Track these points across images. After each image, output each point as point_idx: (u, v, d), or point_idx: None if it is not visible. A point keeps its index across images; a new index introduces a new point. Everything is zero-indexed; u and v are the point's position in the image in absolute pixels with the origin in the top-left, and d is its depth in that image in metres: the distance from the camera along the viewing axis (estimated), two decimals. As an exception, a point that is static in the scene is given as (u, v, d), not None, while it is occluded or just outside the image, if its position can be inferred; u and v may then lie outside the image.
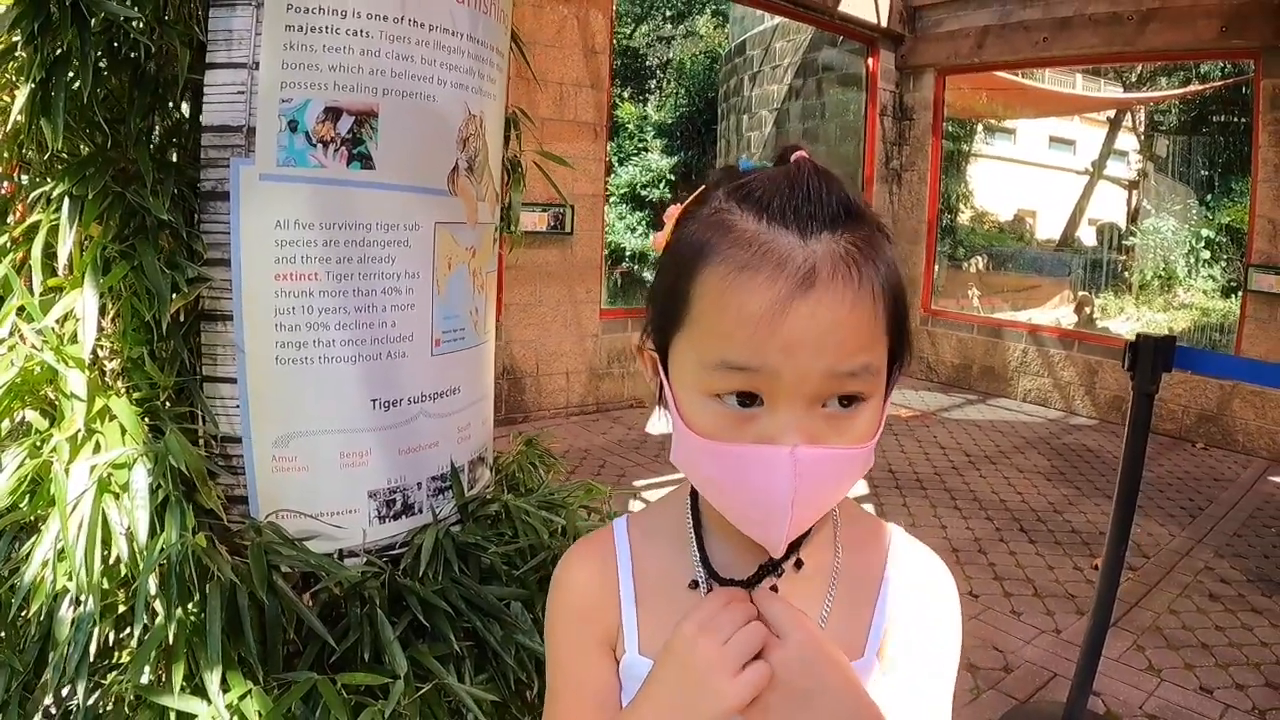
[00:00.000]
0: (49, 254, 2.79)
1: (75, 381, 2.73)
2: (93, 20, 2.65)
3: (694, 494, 1.55)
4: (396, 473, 3.19)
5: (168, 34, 2.75)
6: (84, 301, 2.71)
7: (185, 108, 2.98)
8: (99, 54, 2.75)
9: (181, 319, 2.88)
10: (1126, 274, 26.01)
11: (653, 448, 10.60)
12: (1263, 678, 5.98)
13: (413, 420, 3.19)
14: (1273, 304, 11.38)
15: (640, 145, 28.58)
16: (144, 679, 2.64)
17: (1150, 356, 4.65)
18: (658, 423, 11.77)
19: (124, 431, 2.69)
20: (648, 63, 34.06)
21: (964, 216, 26.91)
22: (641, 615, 1.52)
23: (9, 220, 3.08)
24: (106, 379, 2.89)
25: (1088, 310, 22.52)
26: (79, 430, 2.69)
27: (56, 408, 2.80)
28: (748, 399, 1.26)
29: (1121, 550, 4.95)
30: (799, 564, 1.46)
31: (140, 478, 2.62)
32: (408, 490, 3.23)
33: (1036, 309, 22.61)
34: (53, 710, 2.73)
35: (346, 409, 3.05)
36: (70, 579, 2.57)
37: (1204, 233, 24.98)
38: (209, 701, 2.59)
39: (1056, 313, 22.43)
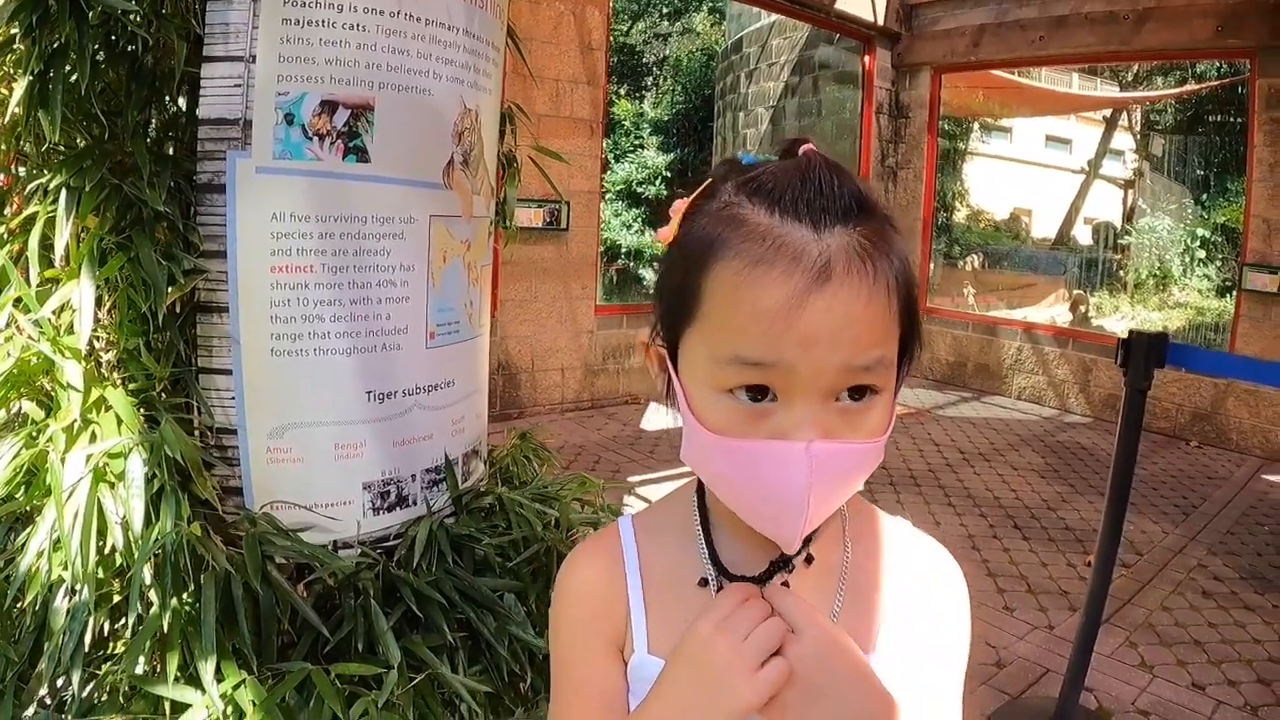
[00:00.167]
0: (46, 245, 2.80)
1: (72, 372, 2.74)
2: (90, 13, 2.66)
3: (700, 491, 1.55)
4: (391, 465, 3.20)
5: (165, 27, 2.76)
6: (80, 292, 2.72)
7: (182, 101, 2.99)
8: (96, 47, 2.76)
9: (177, 310, 2.89)
10: (1122, 273, 26.03)
11: (647, 444, 10.62)
12: (1255, 674, 6.00)
13: (407, 413, 3.21)
14: (1267, 303, 11.41)
15: (636, 142, 28.58)
16: (139, 669, 2.66)
17: (1143, 353, 4.68)
18: (663, 417, 11.79)
19: (120, 422, 2.70)
20: (644, 60, 34.06)
21: (960, 215, 26.93)
22: (650, 615, 1.51)
23: (6, 212, 3.09)
24: (103, 370, 2.90)
25: (1083, 309, 22.55)
26: (75, 420, 2.70)
27: (53, 398, 2.81)
28: (759, 394, 1.25)
29: (1114, 546, 4.97)
30: (809, 559, 1.45)
31: (135, 467, 2.63)
32: (402, 482, 3.24)
33: (1032, 307, 22.61)
34: (48, 701, 2.74)
35: (341, 401, 3.06)
36: (65, 569, 2.58)
37: (1199, 232, 25.02)
38: (203, 691, 2.59)
39: (1051, 311, 22.44)
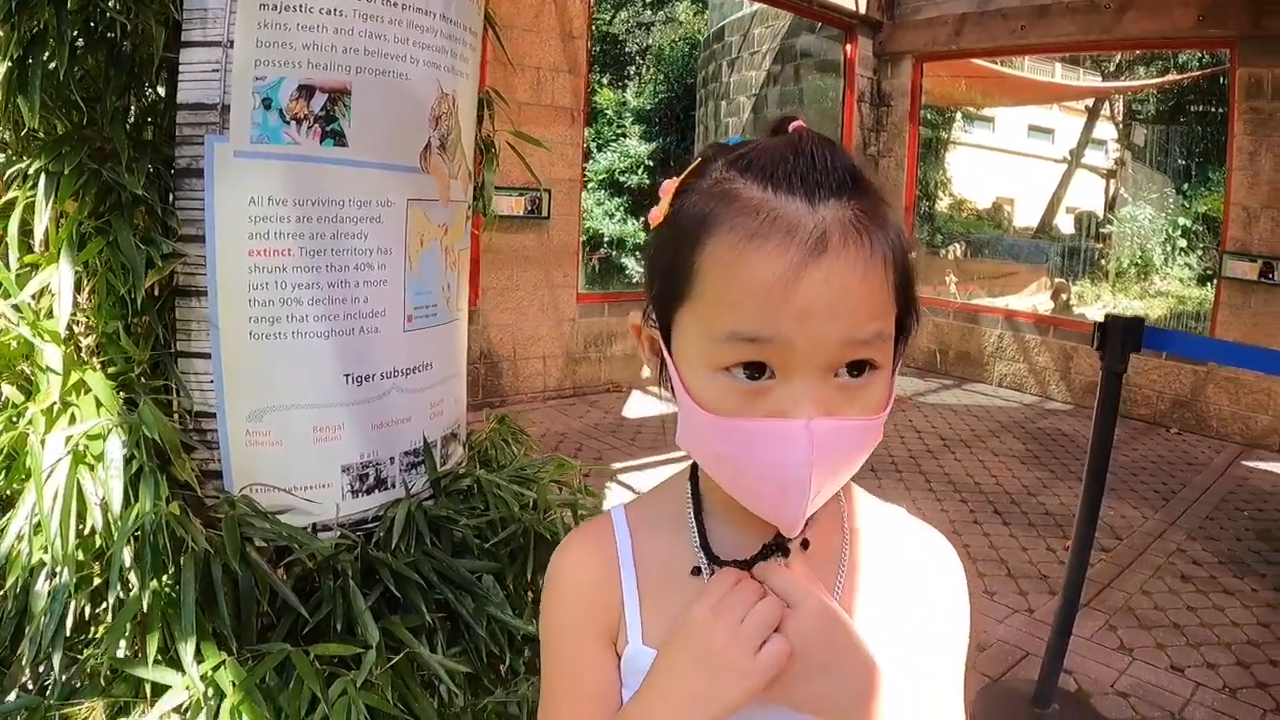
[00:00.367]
0: (25, 230, 2.81)
1: (51, 355, 2.74)
2: (69, 0, 2.67)
3: (693, 478, 1.54)
4: (369, 447, 3.21)
5: (143, 13, 2.76)
6: (60, 277, 2.72)
7: (161, 87, 3.00)
8: (75, 33, 2.77)
9: (156, 294, 2.89)
10: (1103, 261, 26.14)
11: (629, 431, 10.68)
12: (1233, 656, 6.09)
13: (385, 395, 3.21)
14: (1247, 290, 11.50)
15: (619, 131, 28.55)
16: (120, 652, 2.67)
17: (1119, 337, 4.73)
18: (644, 404, 11.80)
19: (99, 404, 2.71)
20: (627, 49, 34.04)
21: (942, 203, 27.00)
22: (644, 605, 1.49)
23: (-14, 197, 3.10)
24: (82, 354, 2.91)
25: (1064, 297, 22.64)
26: (54, 403, 2.71)
27: (33, 382, 2.82)
28: (756, 371, 1.24)
29: (1091, 528, 5.04)
30: (805, 544, 1.44)
31: (114, 448, 2.64)
32: (380, 465, 3.25)
33: (1014, 295, 22.73)
34: (29, 686, 2.75)
35: (319, 384, 3.06)
36: (46, 551, 2.59)
37: (1180, 221, 25.16)
38: (183, 672, 2.60)
39: (1033, 299, 22.55)
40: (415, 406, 3.35)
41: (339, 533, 3.12)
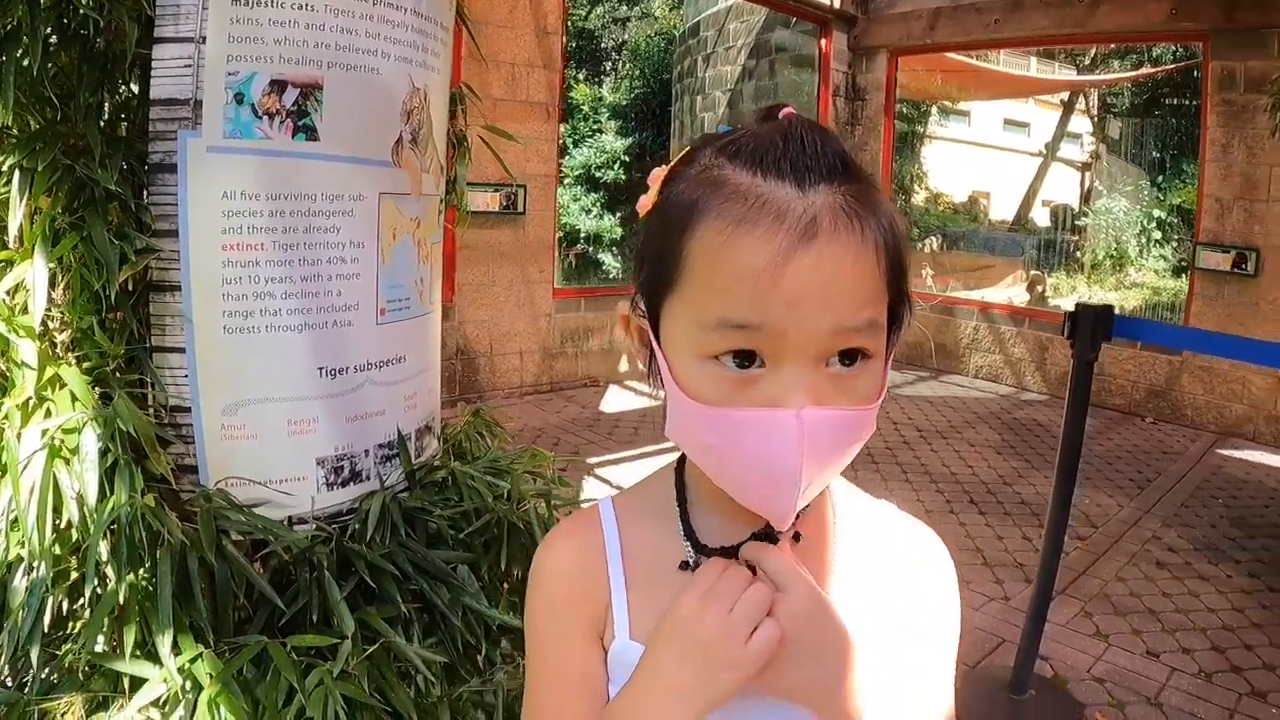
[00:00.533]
0: (-1, 227, 2.83)
1: (26, 350, 2.76)
2: (42, -3, 2.68)
3: (679, 469, 1.53)
4: (344, 440, 3.22)
5: (116, 10, 2.77)
6: (34, 272, 2.74)
7: (134, 84, 3.01)
8: (49, 30, 2.78)
9: (130, 289, 2.90)
10: (1079, 254, 26.28)
11: (606, 425, 10.70)
12: (1208, 641, 6.17)
13: (359, 388, 3.22)
14: (1220, 281, 11.60)
15: (595, 127, 28.54)
16: (98, 646, 2.69)
17: (1089, 325, 4.77)
18: (622, 399, 11.81)
19: (74, 399, 2.73)
20: (603, 44, 34.01)
21: (919, 197, 27.06)
22: (632, 599, 1.47)
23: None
24: (57, 350, 2.92)
25: (1040, 289, 22.76)
26: (30, 398, 2.73)
27: (8, 377, 2.84)
28: (746, 359, 1.22)
29: (1064, 515, 5.09)
30: (797, 537, 1.43)
31: (90, 441, 2.65)
32: (355, 458, 3.26)
33: (990, 288, 22.82)
34: (9, 683, 2.77)
35: (293, 377, 3.07)
36: (23, 546, 2.61)
37: (1155, 213, 25.28)
38: (161, 665, 2.62)
39: (1009, 292, 22.64)
40: (389, 399, 3.36)
41: (315, 525, 3.13)
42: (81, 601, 2.82)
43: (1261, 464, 10.70)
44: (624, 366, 13.06)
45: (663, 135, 27.33)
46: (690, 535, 1.46)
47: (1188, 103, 25.83)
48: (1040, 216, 33.41)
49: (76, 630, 2.81)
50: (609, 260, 24.93)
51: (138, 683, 2.66)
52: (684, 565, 1.44)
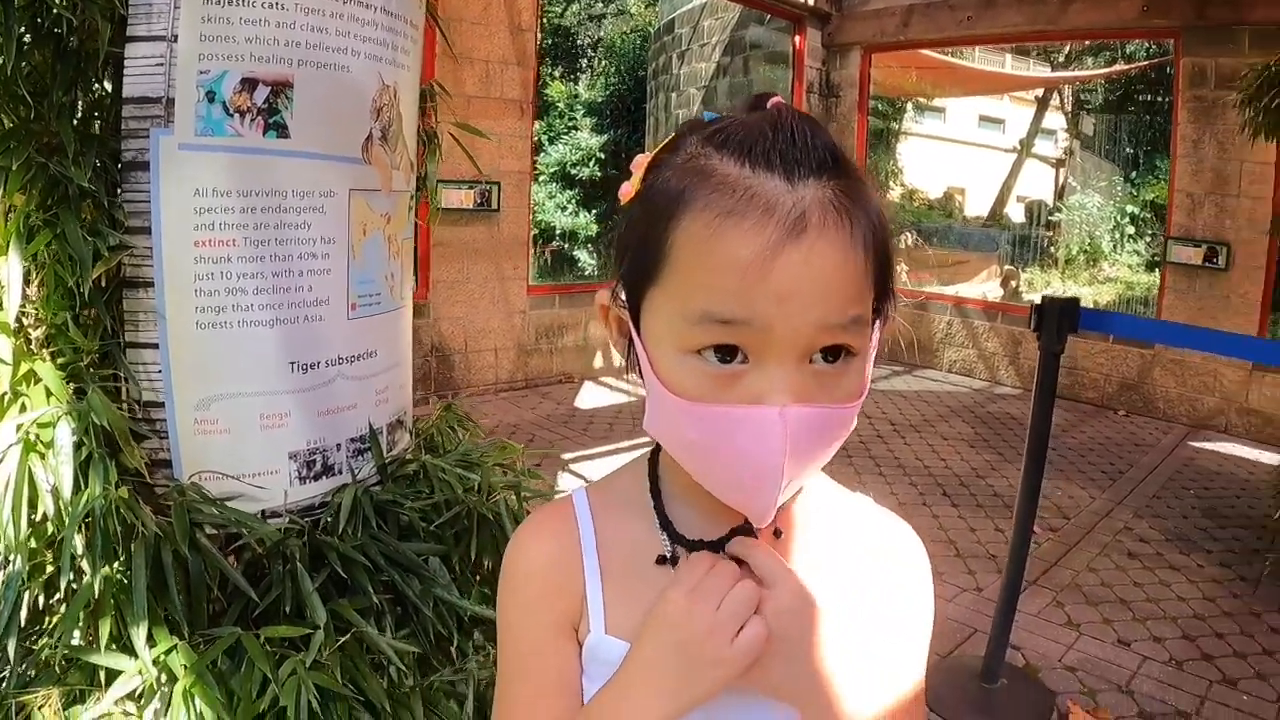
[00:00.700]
0: (-27, 224, 2.85)
1: (1, 346, 2.79)
2: (16, -4, 2.70)
3: (653, 461, 1.50)
4: (316, 434, 3.25)
5: (89, 9, 2.79)
6: (9, 269, 2.77)
7: (107, 82, 3.03)
8: (23, 29, 2.81)
9: (104, 286, 2.93)
10: (1053, 249, 26.34)
11: (581, 421, 10.71)
12: (1179, 630, 6.19)
13: (330, 383, 3.26)
14: (1191, 275, 11.65)
15: (570, 124, 28.51)
16: (74, 639, 2.72)
17: (1055, 318, 4.80)
18: (596, 395, 11.83)
19: (49, 394, 2.75)
20: (578, 41, 33.99)
21: (893, 193, 27.08)
22: (608, 593, 1.43)
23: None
24: (31, 346, 2.94)
25: (1014, 284, 22.78)
26: (4, 393, 2.76)
27: (-17, 374, 2.86)
28: (728, 354, 1.19)
29: (1033, 505, 5.14)
30: (777, 533, 1.42)
31: (64, 435, 2.69)
32: (327, 451, 3.29)
33: (964, 283, 22.80)
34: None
35: (265, 372, 3.10)
36: (-1, 540, 2.64)
37: (1128, 208, 25.31)
38: (136, 657, 2.65)
39: (984, 287, 22.65)
40: (361, 394, 3.39)
41: (287, 519, 3.16)
42: (57, 597, 2.85)
43: (1233, 455, 10.74)
44: (599, 363, 13.09)
45: (638, 132, 27.30)
46: (668, 528, 1.43)
47: (1160, 99, 25.93)
48: (1015, 212, 33.49)
49: (52, 625, 2.82)
50: (584, 257, 24.91)
51: (113, 676, 2.69)
52: (661, 560, 1.41)
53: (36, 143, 2.82)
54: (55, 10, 2.78)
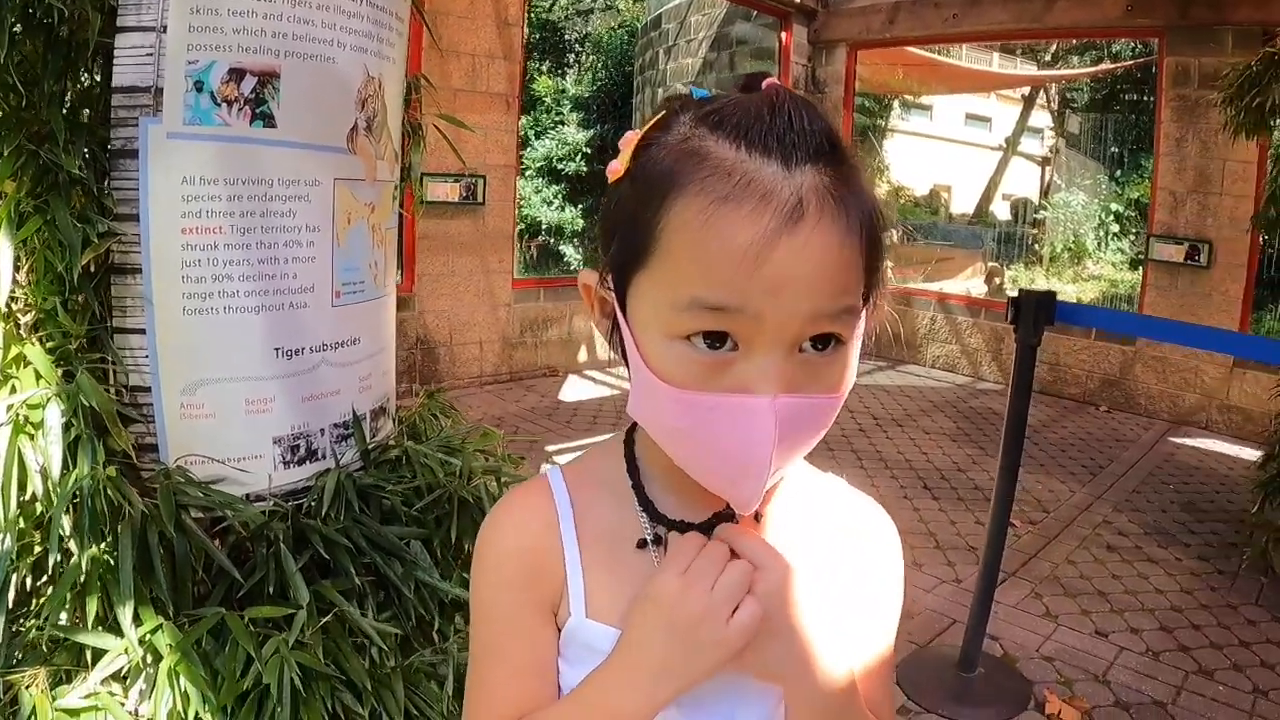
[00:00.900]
0: (-37, 210, 2.89)
1: (-9, 330, 2.84)
2: (8, -13, 2.74)
3: (629, 442, 1.49)
4: (300, 419, 3.29)
5: None
6: (-1, 254, 2.82)
7: (96, 72, 3.07)
8: (14, 20, 2.84)
9: (93, 272, 2.97)
10: (1038, 246, 26.37)
11: (565, 414, 10.75)
12: (1157, 622, 6.27)
13: (315, 369, 3.29)
14: (1173, 272, 11.73)
15: (557, 119, 28.48)
16: (60, 620, 2.76)
17: (1032, 311, 4.85)
18: (580, 388, 11.86)
19: (38, 376, 2.79)
20: (566, 36, 33.95)
21: (880, 190, 27.11)
22: (588, 575, 1.41)
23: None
24: (20, 331, 2.98)
25: (998, 281, 22.83)
26: (-5, 376, 2.81)
27: (-28, 357, 2.90)
28: (717, 341, 1.16)
29: (1010, 494, 5.19)
30: (757, 516, 1.39)
31: (54, 416, 2.73)
32: (311, 436, 3.33)
33: (949, 280, 22.84)
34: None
35: (251, 357, 3.14)
36: (-12, 519, 2.68)
37: (1113, 207, 25.34)
38: (122, 636, 2.70)
39: (968, 284, 22.68)
40: (344, 380, 3.43)
41: (272, 502, 3.20)
42: (44, 579, 2.89)
43: (1213, 451, 10.84)
44: (583, 356, 13.12)
45: (625, 127, 27.23)
46: (649, 510, 1.41)
47: (1145, 98, 25.98)
48: (1001, 210, 33.52)
49: (39, 606, 2.86)
50: (570, 252, 24.91)
51: (100, 657, 2.73)
52: (642, 543, 1.40)
53: (27, 131, 2.86)
54: (47, 1, 2.81)
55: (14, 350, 2.84)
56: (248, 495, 3.17)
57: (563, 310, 12.76)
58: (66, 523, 2.72)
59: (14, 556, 2.72)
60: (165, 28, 2.87)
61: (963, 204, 36.08)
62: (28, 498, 2.75)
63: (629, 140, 1.31)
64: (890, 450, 10.13)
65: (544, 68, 31.67)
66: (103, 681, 2.72)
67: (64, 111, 2.96)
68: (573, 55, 33.86)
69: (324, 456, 3.40)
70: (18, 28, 2.89)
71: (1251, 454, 9.77)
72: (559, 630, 1.43)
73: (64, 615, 2.78)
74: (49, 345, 2.93)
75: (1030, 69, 31.43)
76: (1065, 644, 5.92)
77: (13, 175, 2.84)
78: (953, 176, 36.78)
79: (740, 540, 1.30)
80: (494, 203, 11.77)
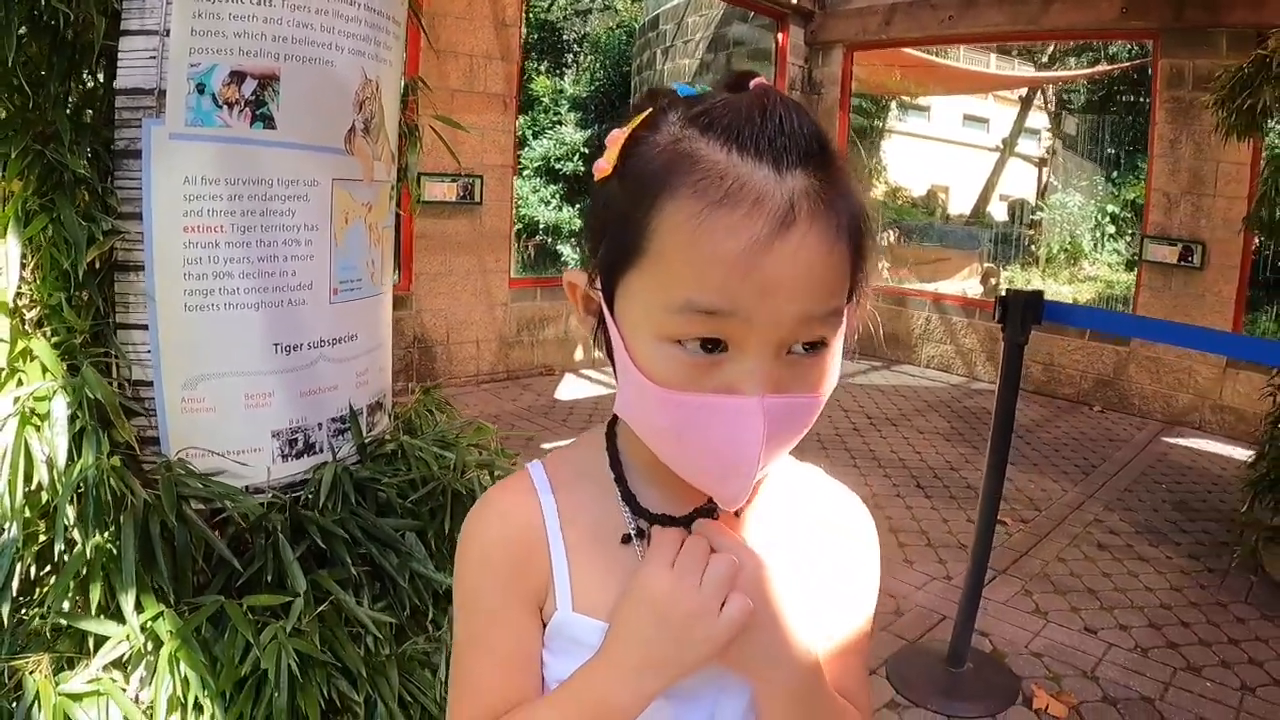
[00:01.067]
0: (-29, 210, 2.95)
1: (-1, 324, 2.91)
2: (16, -8, 2.79)
3: (610, 436, 1.49)
4: (298, 413, 3.34)
5: (84, 3, 2.87)
6: (6, 251, 2.87)
7: (100, 74, 3.13)
8: (21, 23, 2.89)
9: (97, 269, 3.02)
10: (1034, 247, 26.36)
11: (561, 413, 10.80)
12: (1146, 619, 6.33)
13: (313, 364, 3.34)
14: (1167, 273, 11.81)
15: (555, 119, 28.46)
16: (64, 608, 2.82)
17: (1019, 310, 4.92)
18: (576, 387, 11.90)
19: (44, 369, 2.85)
20: (564, 37, 33.91)
21: (877, 191, 27.05)
22: (574, 570, 1.41)
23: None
24: (26, 326, 3.03)
25: (994, 281, 22.83)
26: (2, 369, 2.87)
27: (-19, 352, 2.96)
28: (711, 344, 1.18)
29: (998, 489, 5.29)
30: (737, 511, 1.39)
31: (60, 407, 2.78)
32: (309, 430, 3.38)
33: (945, 281, 22.85)
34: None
35: (250, 353, 3.19)
36: (-4, 508, 2.75)
37: (1109, 208, 25.32)
38: (124, 623, 2.76)
39: (964, 284, 22.69)
40: (341, 375, 3.48)
41: (270, 494, 3.25)
42: (48, 569, 2.95)
43: (1206, 451, 10.91)
44: (579, 355, 13.17)
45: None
46: (632, 504, 1.42)
47: (1141, 100, 25.98)
48: (998, 210, 33.51)
49: (43, 595, 2.92)
50: (567, 251, 24.89)
51: (101, 644, 2.80)
52: (626, 539, 1.41)
53: (33, 131, 2.90)
54: (52, 4, 2.84)
55: (20, 345, 2.89)
56: (247, 487, 3.21)
57: (559, 309, 12.78)
58: (71, 512, 2.77)
59: (20, 545, 2.78)
60: (168, 31, 2.91)
61: (960, 205, 36.05)
62: (33, 488, 2.80)
63: (615, 138, 1.31)
64: (884, 449, 10.18)
65: (542, 68, 31.62)
66: (104, 668, 2.77)
67: (69, 112, 3.01)
68: (571, 55, 33.81)
69: (321, 450, 3.45)
70: (23, 31, 2.95)
71: (1244, 454, 9.81)
72: (544, 623, 1.43)
73: (66, 603, 2.84)
74: (54, 340, 2.98)
75: (1028, 70, 31.42)
76: (1054, 640, 5.98)
77: (20, 174, 2.89)
78: (950, 177, 36.74)
79: (718, 537, 1.33)
80: (491, 202, 11.82)
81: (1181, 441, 11.21)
